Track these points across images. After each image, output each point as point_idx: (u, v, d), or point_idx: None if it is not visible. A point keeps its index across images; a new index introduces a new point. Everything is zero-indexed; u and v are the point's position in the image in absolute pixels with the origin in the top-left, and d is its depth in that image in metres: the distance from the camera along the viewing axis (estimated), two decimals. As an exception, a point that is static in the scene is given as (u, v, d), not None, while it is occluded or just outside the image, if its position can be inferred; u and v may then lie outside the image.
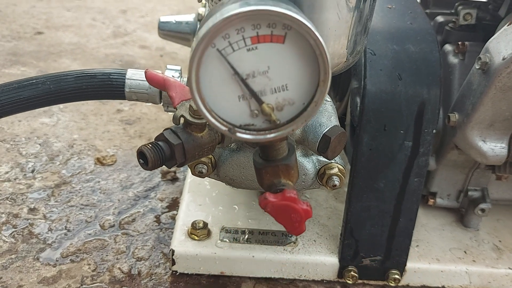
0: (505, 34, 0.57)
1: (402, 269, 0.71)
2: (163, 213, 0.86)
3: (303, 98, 0.37)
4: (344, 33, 0.44)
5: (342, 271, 0.71)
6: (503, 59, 0.55)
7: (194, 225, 0.73)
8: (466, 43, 0.73)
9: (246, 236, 0.74)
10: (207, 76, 0.36)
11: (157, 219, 0.84)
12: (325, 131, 0.50)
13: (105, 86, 0.72)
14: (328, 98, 0.57)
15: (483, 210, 0.76)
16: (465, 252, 0.74)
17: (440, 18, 0.81)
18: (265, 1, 0.33)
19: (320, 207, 0.82)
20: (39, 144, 1.03)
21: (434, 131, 0.63)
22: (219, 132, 0.43)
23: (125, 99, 0.72)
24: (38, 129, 1.09)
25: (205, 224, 0.73)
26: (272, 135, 0.37)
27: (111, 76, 0.72)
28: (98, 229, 0.81)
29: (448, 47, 0.77)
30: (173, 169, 0.97)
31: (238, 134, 0.37)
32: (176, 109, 0.45)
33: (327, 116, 0.52)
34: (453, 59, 0.75)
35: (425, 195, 0.81)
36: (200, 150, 0.45)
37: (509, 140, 0.64)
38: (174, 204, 0.88)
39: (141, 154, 0.44)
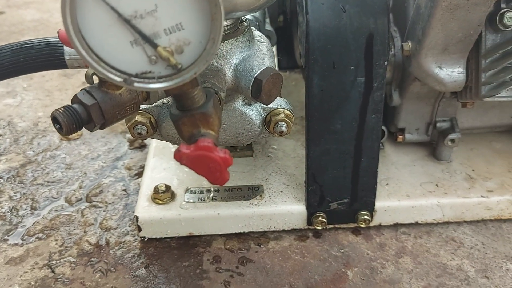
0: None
1: (371, 209, 0.70)
2: (131, 181, 0.84)
3: (200, 37, 0.33)
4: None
5: (310, 218, 0.70)
6: (446, -26, 0.51)
7: (156, 190, 0.71)
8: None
9: (212, 195, 0.72)
10: (89, 22, 0.32)
11: (125, 188, 0.82)
12: (257, 74, 0.47)
13: (44, 57, 0.69)
14: (264, 39, 0.54)
15: (453, 140, 0.73)
16: (436, 185, 0.72)
17: None
18: None
19: (288, 157, 0.80)
20: (3, 126, 1.01)
21: (386, 63, 0.60)
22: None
23: (67, 68, 0.68)
24: (1, 111, 1.07)
25: (168, 187, 0.71)
26: (174, 81, 0.34)
27: (49, 45, 0.68)
28: (64, 204, 0.80)
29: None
30: (139, 135, 0.94)
31: (136, 84, 0.34)
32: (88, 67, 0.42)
33: (259, 59, 0.49)
34: (407, -15, 0.70)
35: (394, 132, 0.79)
36: (121, 109, 0.43)
37: (466, 63, 0.61)
38: (142, 172, 0.86)
39: (54, 119, 0.41)
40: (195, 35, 0.33)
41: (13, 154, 0.92)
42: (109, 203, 0.79)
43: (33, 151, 0.93)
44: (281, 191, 0.72)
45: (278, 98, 0.57)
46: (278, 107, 0.55)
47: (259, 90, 0.47)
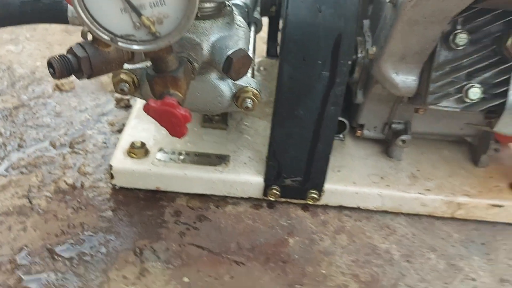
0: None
1: (320, 190, 0.78)
2: (112, 136, 0.92)
3: (177, 13, 0.41)
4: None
5: (266, 190, 0.78)
6: (406, -8, 0.59)
7: (132, 145, 0.79)
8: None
9: (182, 157, 0.80)
10: (91, -11, 0.40)
11: (106, 141, 0.90)
12: (229, 53, 0.55)
13: (49, 11, 0.76)
14: (243, 24, 0.61)
15: (403, 141, 0.82)
16: (382, 178, 0.81)
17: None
18: None
19: (258, 135, 0.88)
20: (2, 70, 1.08)
21: (349, 62, 0.68)
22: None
23: (69, 24, 0.75)
24: (3, 56, 1.13)
25: (143, 144, 0.79)
26: (151, 46, 0.42)
27: (55, 1, 0.75)
28: (49, 147, 0.87)
29: (380, -15, 0.80)
30: (127, 96, 1.02)
31: (120, 44, 0.42)
32: (85, 25, 0.50)
33: (234, 40, 0.57)
34: (383, -2, 0.78)
35: (354, 127, 0.87)
36: (107, 64, 0.50)
37: (420, 73, 0.69)
38: (123, 129, 0.94)
39: (49, 64, 0.49)
40: (174, 10, 0.41)
41: (8, 96, 0.99)
42: (89, 152, 0.87)
43: (27, 96, 1.00)
44: (245, 163, 0.81)
45: (249, 78, 0.64)
46: (247, 85, 0.63)
47: (229, 66, 0.55)
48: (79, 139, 0.90)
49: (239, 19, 0.62)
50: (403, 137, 0.81)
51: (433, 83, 0.66)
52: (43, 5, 0.76)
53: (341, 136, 0.88)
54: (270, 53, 1.15)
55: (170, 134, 0.46)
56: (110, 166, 0.77)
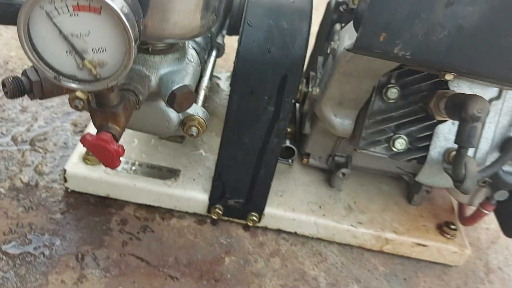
0: (352, 26, 0.66)
1: (260, 213, 0.84)
2: (73, 136, 0.96)
3: (117, 61, 0.46)
4: (184, 10, 0.53)
5: (210, 208, 0.83)
6: (344, 48, 0.64)
7: (88, 151, 0.83)
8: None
9: (134, 168, 0.84)
10: (39, 31, 0.44)
11: (66, 142, 0.94)
12: (174, 88, 0.59)
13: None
14: (194, 59, 0.66)
15: (343, 174, 0.88)
16: (320, 206, 0.87)
17: (339, -2, 0.89)
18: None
19: (212, 152, 0.93)
20: (-24, 57, 1.11)
21: (293, 101, 0.73)
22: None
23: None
24: (-22, 43, 1.16)
25: (98, 152, 0.83)
26: (91, 86, 0.47)
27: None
28: (10, 142, 0.91)
29: (337, 27, 0.85)
30: (93, 99, 1.05)
31: (63, 82, 0.46)
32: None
33: (181, 76, 0.62)
34: (337, 38, 0.83)
35: (302, 154, 0.93)
36: (58, 89, 0.55)
37: (356, 118, 0.74)
38: (84, 132, 0.98)
39: (3, 84, 0.53)
40: (113, 59, 0.46)
41: (-23, 86, 1.02)
42: (49, 151, 0.91)
43: (-4, 88, 1.03)
44: (194, 179, 0.86)
45: (198, 107, 0.69)
46: (194, 114, 0.68)
47: (173, 100, 0.59)
48: (41, 136, 0.94)
49: (191, 53, 0.67)
50: (344, 170, 0.87)
51: (366, 129, 0.72)
52: (16, 9, 0.80)
53: (289, 161, 0.93)
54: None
55: (104, 165, 0.50)
56: (64, 170, 0.81)
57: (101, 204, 0.84)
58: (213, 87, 1.10)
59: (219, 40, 0.87)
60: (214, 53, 0.84)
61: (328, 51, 0.68)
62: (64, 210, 0.81)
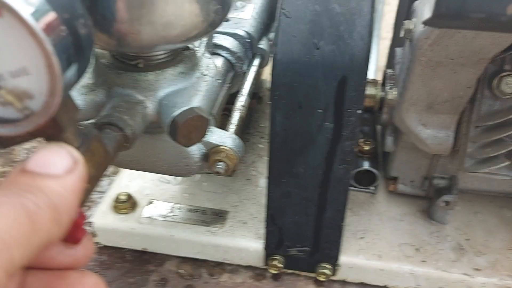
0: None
1: (334, 263, 0.63)
2: (112, 179, 0.83)
3: (42, 87, 0.30)
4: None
5: (267, 259, 0.65)
6: (422, 23, 0.42)
7: (118, 198, 0.69)
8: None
9: (173, 213, 0.69)
10: None
11: (101, 188, 0.81)
12: (176, 113, 0.42)
13: None
14: (211, 72, 0.48)
15: (447, 202, 0.64)
16: (417, 249, 0.64)
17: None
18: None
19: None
20: None
21: (359, 111, 0.52)
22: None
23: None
24: None
25: (129, 197, 0.69)
26: (17, 128, 0.31)
27: None
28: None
29: (418, 4, 0.62)
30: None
31: (-20, 128, 0.31)
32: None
33: (188, 96, 0.44)
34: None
35: (387, 179, 0.71)
36: (20, 138, 0.40)
37: (456, 126, 0.51)
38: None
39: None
40: (40, 86, 0.30)
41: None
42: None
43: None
44: (245, 222, 0.68)
45: (225, 133, 0.51)
46: (221, 144, 0.50)
47: (175, 131, 0.42)
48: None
49: (206, 64, 0.49)
50: (447, 197, 0.63)
51: (473, 141, 0.49)
52: None
53: (371, 188, 0.71)
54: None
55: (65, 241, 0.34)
56: (92, 223, 0.68)
57: (138, 260, 0.69)
58: (263, 104, 0.91)
59: (262, 45, 0.69)
60: (256, 62, 0.66)
61: (403, 35, 0.47)
62: (96, 270, 0.67)
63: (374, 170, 0.70)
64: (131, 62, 0.44)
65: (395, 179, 0.69)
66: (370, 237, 0.66)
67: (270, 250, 0.64)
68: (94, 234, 0.68)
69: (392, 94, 0.54)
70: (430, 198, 0.68)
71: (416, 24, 0.45)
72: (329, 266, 0.63)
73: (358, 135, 0.57)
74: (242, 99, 0.57)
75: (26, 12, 0.27)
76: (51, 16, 0.29)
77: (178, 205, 0.70)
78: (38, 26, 0.28)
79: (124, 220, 0.68)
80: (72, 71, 0.31)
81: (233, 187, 0.73)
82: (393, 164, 0.67)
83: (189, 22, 0.39)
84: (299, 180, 0.58)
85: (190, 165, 0.51)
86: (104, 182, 0.81)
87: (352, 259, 0.63)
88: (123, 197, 0.69)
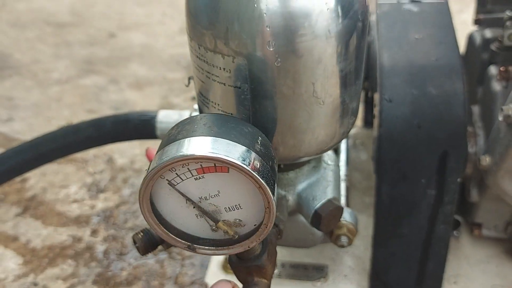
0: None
1: (435, 310, 0.69)
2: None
3: (255, 219, 0.37)
4: (319, 126, 0.43)
5: (372, 310, 0.71)
6: (525, 116, 0.49)
7: (226, 259, 0.76)
8: (510, 68, 0.65)
9: (277, 271, 0.75)
10: (163, 200, 0.37)
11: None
12: (317, 206, 0.49)
13: (138, 130, 0.77)
14: (330, 161, 0.55)
15: (532, 246, 0.70)
16: (509, 291, 0.70)
17: (487, 33, 0.73)
18: (208, 138, 0.34)
19: (359, 236, 0.79)
20: (105, 161, 1.13)
21: (459, 179, 0.59)
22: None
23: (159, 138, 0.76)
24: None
25: (237, 258, 0.76)
26: (230, 250, 0.38)
27: (143, 120, 0.76)
28: (148, 253, 0.88)
29: (492, 70, 0.69)
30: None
31: (198, 250, 0.38)
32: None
33: (322, 188, 0.51)
34: (496, 85, 0.67)
35: (471, 224, 0.77)
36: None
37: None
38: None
39: (133, 241, 0.48)
40: (250, 214, 0.37)
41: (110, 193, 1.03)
42: (186, 257, 0.86)
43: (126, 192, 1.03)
44: (345, 275, 0.74)
45: (344, 209, 0.58)
46: (342, 219, 0.57)
47: (318, 222, 0.49)
48: (176, 241, 0.90)
49: (327, 153, 0.56)
50: (532, 241, 0.69)
51: None
52: (133, 125, 0.77)
53: (455, 233, 0.78)
54: (367, 121, 1.07)
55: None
56: (206, 284, 0.75)
57: (249, 315, 0.75)
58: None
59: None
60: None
61: (501, 118, 0.54)
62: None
63: (458, 217, 0.76)
64: (274, 164, 0.51)
65: (479, 225, 0.75)
66: (463, 281, 0.72)
67: (375, 301, 0.70)
68: (207, 293, 0.76)
69: (485, 160, 0.61)
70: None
71: (516, 111, 0.52)
72: (430, 312, 0.69)
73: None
74: (343, 169, 0.65)
75: (247, 167, 0.34)
76: (264, 166, 0.36)
77: (280, 262, 0.77)
78: (262, 178, 0.35)
79: (235, 279, 0.75)
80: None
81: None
82: (477, 212, 0.73)
83: (332, 137, 0.46)
84: (404, 239, 0.64)
85: (315, 240, 0.59)
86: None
87: (451, 304, 0.69)
88: (232, 259, 0.76)
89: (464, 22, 0.86)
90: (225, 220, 0.38)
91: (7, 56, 1.62)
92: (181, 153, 0.34)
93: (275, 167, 0.38)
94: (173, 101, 1.32)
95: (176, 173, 0.36)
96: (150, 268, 0.85)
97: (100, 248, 0.89)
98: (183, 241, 0.38)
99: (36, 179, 1.07)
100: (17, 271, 0.86)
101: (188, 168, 0.35)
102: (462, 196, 0.77)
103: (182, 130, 0.36)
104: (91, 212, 0.98)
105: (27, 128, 1.25)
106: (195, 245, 0.39)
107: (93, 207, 0.99)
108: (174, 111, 0.75)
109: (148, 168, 0.36)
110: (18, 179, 1.06)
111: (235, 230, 0.38)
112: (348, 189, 0.63)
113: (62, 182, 1.06)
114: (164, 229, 0.38)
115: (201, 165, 0.35)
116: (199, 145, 0.34)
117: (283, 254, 0.78)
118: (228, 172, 0.35)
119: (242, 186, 0.36)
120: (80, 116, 1.12)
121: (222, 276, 0.75)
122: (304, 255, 0.77)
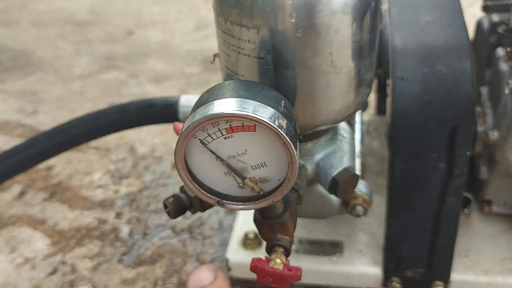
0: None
1: (446, 281, 0.72)
2: (226, 216, 0.94)
3: (279, 175, 0.41)
4: (336, 94, 0.46)
5: (386, 281, 0.74)
6: (530, 87, 0.52)
7: (246, 236, 0.80)
8: (517, 48, 0.69)
9: (295, 247, 0.79)
10: (195, 158, 0.41)
11: (221, 224, 0.93)
12: (334, 174, 0.53)
13: (162, 114, 0.81)
14: (346, 133, 0.59)
15: (541, 220, 0.73)
16: (518, 263, 0.73)
17: (495, 17, 0.76)
18: (236, 99, 0.38)
19: (373, 214, 0.84)
20: (126, 150, 1.17)
21: (468, 153, 0.62)
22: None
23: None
24: (125, 135, 1.23)
25: (256, 235, 0.80)
26: (256, 205, 0.42)
27: (166, 105, 0.81)
28: (170, 233, 0.92)
29: (499, 52, 0.72)
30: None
31: (227, 205, 0.42)
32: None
33: (339, 157, 0.55)
34: (504, 66, 0.70)
35: (480, 202, 0.80)
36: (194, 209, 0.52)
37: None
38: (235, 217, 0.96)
39: (164, 205, 0.52)
40: (275, 172, 0.41)
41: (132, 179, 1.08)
42: (207, 236, 0.90)
43: (148, 178, 1.07)
44: (360, 251, 0.78)
45: (360, 181, 0.62)
46: (357, 190, 0.61)
47: (335, 188, 0.53)
48: (197, 222, 0.94)
49: (343, 127, 0.60)
50: (541, 216, 0.72)
51: None
52: (157, 109, 0.82)
53: (465, 211, 0.81)
54: (380, 109, 1.11)
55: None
56: (227, 260, 0.79)
57: (267, 289, 0.79)
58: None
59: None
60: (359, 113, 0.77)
61: (507, 92, 0.57)
62: (233, 300, 0.78)
63: (469, 195, 0.79)
64: (293, 135, 0.55)
65: (489, 201, 0.78)
66: (473, 255, 0.75)
67: (388, 273, 0.74)
68: (228, 268, 0.80)
69: (493, 135, 0.64)
70: (522, 217, 0.77)
71: (521, 84, 0.55)
72: (442, 283, 0.72)
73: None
74: (358, 146, 0.68)
75: (273, 124, 0.38)
76: (288, 125, 0.40)
77: (297, 238, 0.80)
78: (286, 134, 0.39)
79: (255, 254, 0.78)
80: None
81: (342, 219, 0.83)
82: (487, 189, 0.76)
83: (348, 107, 0.50)
84: (415, 213, 0.67)
85: (331, 210, 0.62)
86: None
87: (461, 276, 0.72)
88: (251, 235, 0.80)
89: (474, 15, 0.89)
90: (251, 177, 0.42)
91: (30, 53, 1.68)
92: (212, 112, 0.38)
93: (297, 128, 0.41)
94: (191, 94, 1.36)
95: (207, 133, 0.40)
96: (173, 247, 0.89)
97: (124, 229, 0.94)
98: (213, 197, 0.42)
99: (62, 167, 1.12)
100: (46, 251, 0.91)
101: (218, 128, 0.39)
102: (472, 175, 0.80)
103: (212, 94, 0.40)
104: (115, 196, 1.03)
105: (51, 120, 1.30)
106: (224, 201, 0.43)
107: (117, 192, 1.04)
108: (195, 96, 0.79)
109: (182, 128, 0.40)
110: (44, 166, 1.11)
111: (261, 187, 0.42)
112: (363, 167, 0.67)
113: (86, 169, 1.11)
114: (197, 185, 0.42)
115: (230, 124, 0.39)
116: (229, 105, 0.38)
117: (300, 231, 0.81)
118: (255, 131, 0.39)
119: (267, 144, 0.40)
120: (102, 108, 1.17)
121: (242, 252, 0.79)
122: (321, 232, 0.81)
